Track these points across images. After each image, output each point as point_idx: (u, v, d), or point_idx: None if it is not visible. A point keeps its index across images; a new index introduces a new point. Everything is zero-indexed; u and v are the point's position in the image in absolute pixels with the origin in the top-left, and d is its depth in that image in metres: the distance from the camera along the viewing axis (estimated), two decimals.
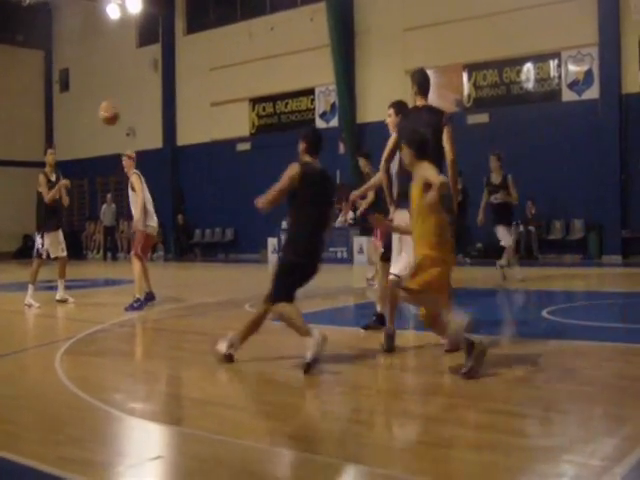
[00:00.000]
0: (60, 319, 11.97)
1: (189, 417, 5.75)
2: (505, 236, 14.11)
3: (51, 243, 13.13)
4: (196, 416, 5.71)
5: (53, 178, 13.30)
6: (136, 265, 12.03)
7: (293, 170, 7.16)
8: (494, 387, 6.23)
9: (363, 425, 5.46)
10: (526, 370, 6.75)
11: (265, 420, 5.70)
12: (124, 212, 29.69)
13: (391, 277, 7.61)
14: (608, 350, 7.74)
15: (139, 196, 12.13)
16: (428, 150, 6.80)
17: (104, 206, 29.26)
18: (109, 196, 29.08)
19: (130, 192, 12.37)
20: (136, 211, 12.10)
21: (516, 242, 20.82)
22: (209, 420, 5.48)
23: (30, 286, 12.75)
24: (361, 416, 5.72)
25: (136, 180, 12.30)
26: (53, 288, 13.54)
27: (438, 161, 7.18)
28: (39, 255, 13.04)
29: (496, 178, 14.24)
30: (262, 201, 7.13)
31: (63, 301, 13.07)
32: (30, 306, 12.52)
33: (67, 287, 13.27)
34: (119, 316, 11.15)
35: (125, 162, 12.55)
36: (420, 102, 8.06)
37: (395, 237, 7.83)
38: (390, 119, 8.56)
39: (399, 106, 8.68)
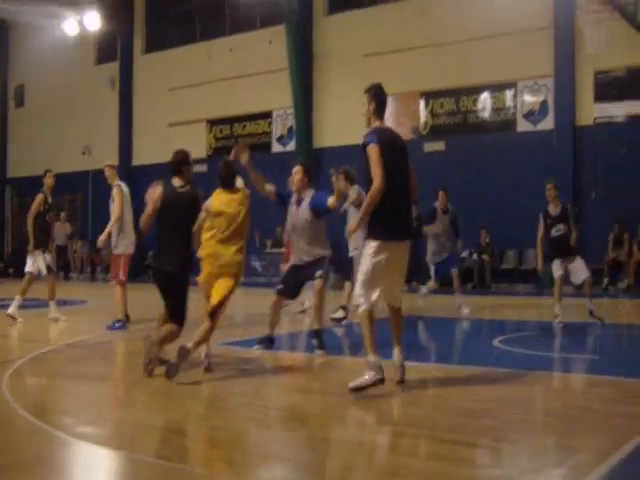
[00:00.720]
0: (10, 339, 11.76)
1: (138, 442, 5.65)
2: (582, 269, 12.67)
3: (43, 261, 13.07)
4: (145, 441, 5.64)
5: (50, 200, 13.22)
6: (119, 290, 12.01)
7: None
8: (443, 416, 6.25)
9: (311, 452, 5.44)
10: (476, 399, 6.78)
11: (212, 446, 5.64)
12: (78, 231, 29.51)
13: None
14: (558, 380, 7.81)
15: (115, 211, 11.91)
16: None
17: (57, 224, 28.92)
18: (63, 215, 28.80)
19: (111, 205, 12.18)
20: (112, 228, 11.93)
21: (468, 270, 21.04)
22: (158, 445, 5.42)
23: (18, 298, 12.79)
24: (310, 444, 5.67)
25: (117, 192, 12.06)
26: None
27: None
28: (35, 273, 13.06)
29: (554, 209, 12.98)
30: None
31: (55, 320, 13.03)
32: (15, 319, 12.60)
33: (20, 306, 13.08)
34: (71, 337, 11.04)
35: (107, 172, 12.40)
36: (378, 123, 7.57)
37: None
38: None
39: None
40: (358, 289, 7.16)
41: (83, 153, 29.24)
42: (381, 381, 6.84)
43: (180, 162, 8.69)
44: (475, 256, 21.06)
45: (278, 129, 26.24)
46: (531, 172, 20.69)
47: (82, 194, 30.10)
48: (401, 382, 7.11)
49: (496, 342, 10.12)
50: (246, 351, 9.57)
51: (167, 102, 28.32)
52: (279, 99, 25.42)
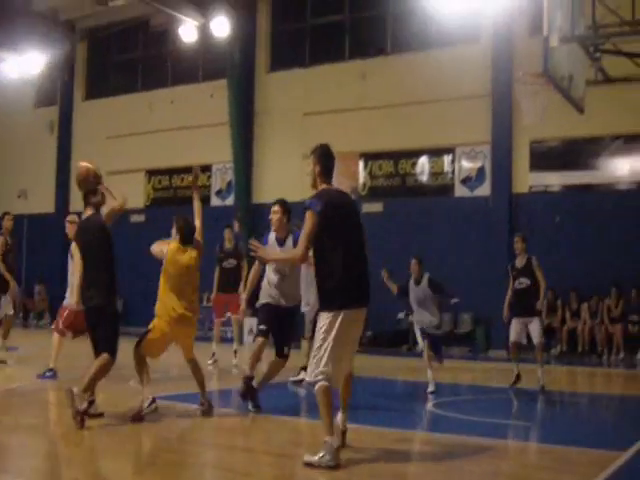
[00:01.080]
0: None
1: None
2: (536, 332, 12.89)
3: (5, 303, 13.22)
4: None
5: (9, 242, 13.35)
6: (56, 339, 11.99)
7: None
8: None
9: None
10: (406, 463, 6.81)
11: None
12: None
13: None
14: (489, 445, 7.85)
15: (77, 268, 11.71)
16: None
17: None
18: None
19: (69, 260, 12.02)
20: (73, 284, 11.58)
21: (403, 332, 21.13)
22: None
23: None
24: None
25: (75, 248, 11.90)
26: None
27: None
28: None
29: (520, 262, 13.28)
30: None
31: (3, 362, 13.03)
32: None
33: None
34: (3, 384, 10.87)
35: (68, 228, 12.41)
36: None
37: None
38: None
39: None
40: (313, 366, 6.80)
41: (19, 197, 28.83)
42: (335, 467, 6.49)
43: (86, 193, 8.69)
44: (410, 318, 21.13)
45: (217, 183, 26.24)
46: (468, 237, 21.02)
47: (16, 239, 29.52)
48: (342, 447, 7.03)
49: (430, 406, 10.17)
50: (181, 405, 9.49)
51: (106, 150, 28.04)
52: (219, 153, 25.43)
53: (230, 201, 25.74)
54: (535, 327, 12.92)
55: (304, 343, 12.37)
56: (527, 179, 21.02)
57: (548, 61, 10.96)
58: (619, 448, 7.53)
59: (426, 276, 12.27)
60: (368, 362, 15.22)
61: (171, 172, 27.18)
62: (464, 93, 21.48)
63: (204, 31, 23.96)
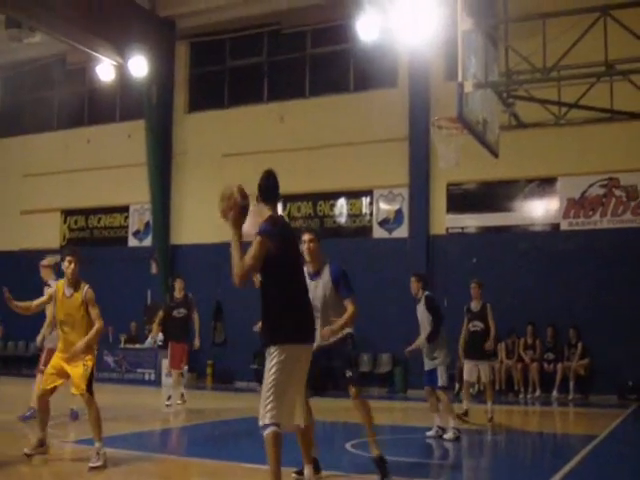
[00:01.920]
0: None
1: None
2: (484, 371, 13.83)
3: None
4: None
5: None
6: (39, 379, 11.65)
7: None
8: None
9: None
10: None
11: None
12: None
13: None
14: None
15: (49, 310, 11.55)
16: None
17: None
18: None
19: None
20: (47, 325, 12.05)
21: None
22: None
23: None
24: None
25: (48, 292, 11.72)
26: None
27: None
28: None
29: (476, 305, 14.05)
30: None
31: None
32: None
33: None
34: None
35: (42, 272, 12.32)
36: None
37: None
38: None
39: None
40: (262, 408, 6.46)
41: None
42: None
43: None
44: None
45: (135, 224, 25.99)
46: (386, 278, 21.17)
47: None
48: None
49: (348, 446, 10.15)
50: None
51: (22, 188, 27.66)
52: (137, 193, 25.24)
53: (148, 242, 25.53)
54: (484, 368, 13.88)
55: None
56: (444, 221, 21.36)
57: (463, 106, 11.15)
58: None
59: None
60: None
61: (87, 212, 26.84)
62: (382, 136, 21.78)
63: (122, 71, 23.81)
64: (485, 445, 12.21)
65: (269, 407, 6.41)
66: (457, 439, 11.46)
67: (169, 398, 15.39)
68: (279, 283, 6.76)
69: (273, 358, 6.50)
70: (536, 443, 12.74)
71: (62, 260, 8.97)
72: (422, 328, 12.30)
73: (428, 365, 12.15)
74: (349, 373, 8.29)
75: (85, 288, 8.89)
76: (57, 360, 8.81)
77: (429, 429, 12.15)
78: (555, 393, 19.37)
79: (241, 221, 6.87)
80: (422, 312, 12.33)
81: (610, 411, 16.70)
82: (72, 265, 8.85)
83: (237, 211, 6.71)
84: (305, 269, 8.00)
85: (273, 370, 6.46)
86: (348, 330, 8.52)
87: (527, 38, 12.48)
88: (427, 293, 12.51)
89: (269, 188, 7.29)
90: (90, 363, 8.67)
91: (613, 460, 10.14)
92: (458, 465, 9.97)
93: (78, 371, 8.58)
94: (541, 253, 20.23)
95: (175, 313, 15.83)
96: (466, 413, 13.75)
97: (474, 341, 13.85)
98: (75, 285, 8.89)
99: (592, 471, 9.17)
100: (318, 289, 8.39)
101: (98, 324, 8.88)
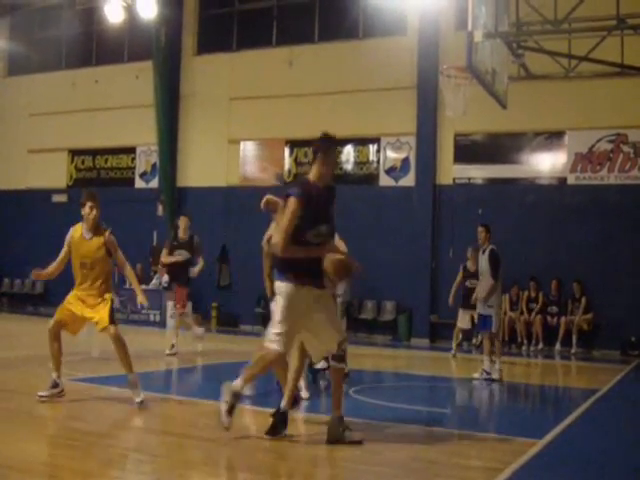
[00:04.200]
0: None
1: None
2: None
3: None
4: None
5: None
6: None
7: None
8: (294, 464, 6.37)
9: None
10: (327, 449, 6.92)
11: None
12: None
13: None
14: (409, 432, 8.01)
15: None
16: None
17: None
18: None
19: None
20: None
21: None
22: None
23: None
24: None
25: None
26: None
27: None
28: None
29: (472, 266, 15.59)
30: None
31: None
32: None
33: None
34: None
35: None
36: None
37: None
38: None
39: None
40: None
41: None
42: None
43: None
44: None
45: (142, 165, 26.00)
46: (392, 226, 21.24)
47: None
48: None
49: (351, 392, 10.28)
50: (100, 388, 9.46)
51: (29, 128, 27.62)
52: (143, 135, 25.23)
53: (154, 184, 25.57)
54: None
55: None
56: (451, 171, 21.34)
57: (472, 56, 11.13)
58: (536, 436, 7.75)
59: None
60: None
61: (94, 153, 26.84)
62: (390, 84, 21.68)
63: (130, 11, 23.63)
64: (486, 395, 12.35)
65: None
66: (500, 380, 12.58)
67: (172, 347, 14.64)
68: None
69: None
70: (537, 395, 12.89)
71: (82, 205, 8.95)
72: (482, 276, 12.99)
73: (484, 310, 12.83)
74: None
75: (107, 234, 8.90)
76: (75, 300, 8.76)
77: (432, 377, 12.37)
78: (558, 346, 19.46)
79: None
80: (485, 262, 12.90)
81: (612, 366, 16.80)
82: (94, 212, 8.87)
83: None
84: None
85: None
86: None
87: None
88: (492, 246, 13.05)
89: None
90: (109, 297, 8.73)
91: (613, 414, 10.26)
92: (458, 414, 10.10)
93: (100, 308, 8.63)
94: (547, 207, 20.22)
95: (175, 254, 14.85)
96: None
97: (470, 294, 14.44)
98: (95, 230, 8.91)
99: (592, 424, 9.29)
100: None
101: (128, 266, 9.12)
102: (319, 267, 7.15)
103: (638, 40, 12.50)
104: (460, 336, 17.08)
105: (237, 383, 7.13)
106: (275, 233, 7.17)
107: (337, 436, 7.08)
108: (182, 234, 15.04)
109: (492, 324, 12.73)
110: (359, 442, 7.10)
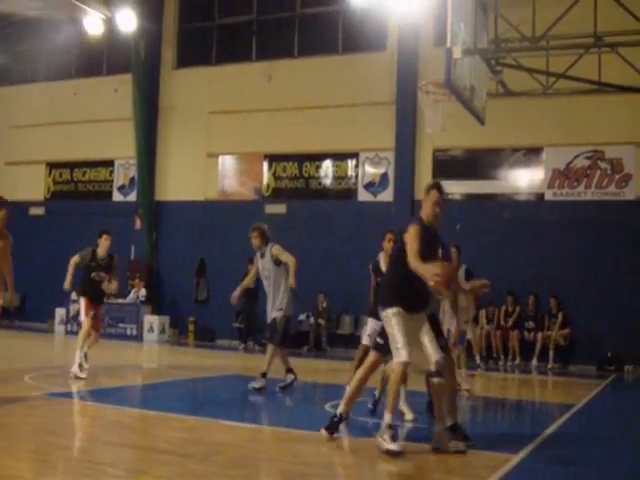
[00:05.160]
0: None
1: None
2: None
3: None
4: None
5: None
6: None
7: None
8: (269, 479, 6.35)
9: None
10: (302, 462, 6.90)
11: None
12: None
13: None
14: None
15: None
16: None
17: None
18: None
19: None
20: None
21: (304, 333, 21.31)
22: None
23: None
24: None
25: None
26: None
27: None
28: None
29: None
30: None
31: None
32: None
33: None
34: None
35: None
36: None
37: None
38: None
39: None
40: None
41: None
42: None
43: None
44: (312, 319, 21.32)
45: (120, 178, 25.91)
46: (370, 241, 21.14)
47: None
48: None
49: (328, 406, 10.25)
50: (76, 402, 9.40)
51: (7, 140, 27.46)
52: (122, 148, 25.17)
53: (132, 197, 25.49)
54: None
55: (271, 348, 12.21)
56: None
57: (451, 72, 11.18)
58: (512, 451, 7.75)
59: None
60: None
61: (72, 165, 26.74)
62: (370, 99, 21.76)
63: (110, 24, 23.62)
64: (463, 410, 12.34)
65: None
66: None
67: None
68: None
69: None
70: (513, 410, 12.89)
71: None
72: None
73: (451, 325, 12.96)
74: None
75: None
76: None
77: (412, 392, 12.34)
78: (535, 361, 19.54)
79: None
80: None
81: (589, 381, 16.85)
82: None
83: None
84: None
85: None
86: None
87: (517, 6, 12.50)
88: (465, 266, 13.10)
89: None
90: None
91: (589, 429, 10.29)
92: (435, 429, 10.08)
93: None
94: (525, 222, 20.34)
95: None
96: None
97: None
98: None
99: (568, 439, 9.30)
100: None
101: None
102: (422, 293, 7.81)
103: (615, 58, 12.58)
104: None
105: (386, 417, 7.52)
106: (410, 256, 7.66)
107: (442, 446, 7.65)
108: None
109: (463, 338, 13.24)
110: (463, 452, 7.59)
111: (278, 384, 12.08)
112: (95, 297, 13.25)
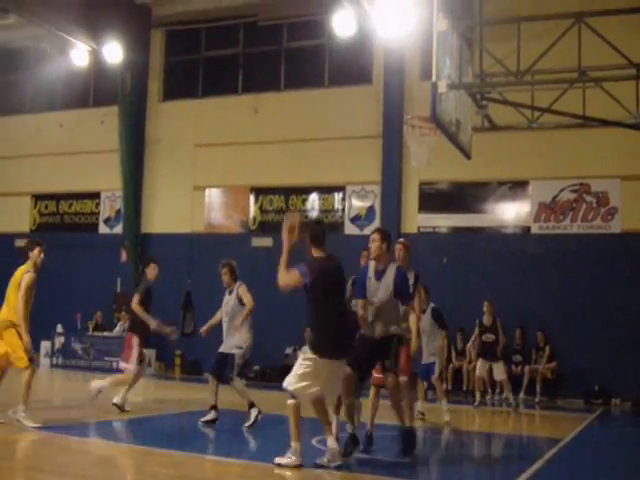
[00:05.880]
0: None
1: None
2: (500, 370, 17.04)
3: None
4: None
5: None
6: None
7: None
8: None
9: None
10: None
11: None
12: None
13: None
14: None
15: None
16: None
17: None
18: None
19: None
20: None
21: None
22: None
23: None
24: None
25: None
26: None
27: None
28: None
29: (487, 320, 17.19)
30: None
31: None
32: None
33: None
34: None
35: None
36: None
37: None
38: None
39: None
40: None
41: None
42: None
43: None
44: (298, 353, 21.18)
45: (106, 211, 25.84)
46: (356, 274, 21.08)
47: None
48: None
49: (315, 441, 10.14)
50: (61, 437, 9.30)
51: None
52: (108, 180, 25.11)
53: (118, 229, 25.39)
54: (500, 366, 17.38)
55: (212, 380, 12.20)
56: (416, 220, 21.43)
57: (436, 106, 11.20)
58: None
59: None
60: (255, 397, 15.10)
61: (58, 197, 26.65)
62: (356, 132, 21.82)
63: (96, 56, 23.62)
64: (449, 444, 12.29)
65: None
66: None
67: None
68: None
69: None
70: (501, 444, 12.84)
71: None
72: (423, 332, 13.46)
73: (429, 359, 14.08)
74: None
75: None
76: None
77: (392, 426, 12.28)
78: (522, 395, 19.46)
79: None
80: (427, 320, 13.95)
81: (576, 415, 16.85)
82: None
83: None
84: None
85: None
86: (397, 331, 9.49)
87: (502, 41, 12.54)
88: (433, 305, 14.26)
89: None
90: None
91: (576, 463, 10.24)
92: (422, 464, 10.00)
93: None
94: (511, 256, 20.36)
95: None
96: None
97: (488, 347, 17.29)
98: None
99: (556, 473, 9.26)
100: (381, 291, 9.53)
101: None
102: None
103: (599, 92, 12.65)
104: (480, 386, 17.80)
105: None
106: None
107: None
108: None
109: (435, 371, 14.03)
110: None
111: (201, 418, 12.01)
112: (147, 335, 13.44)
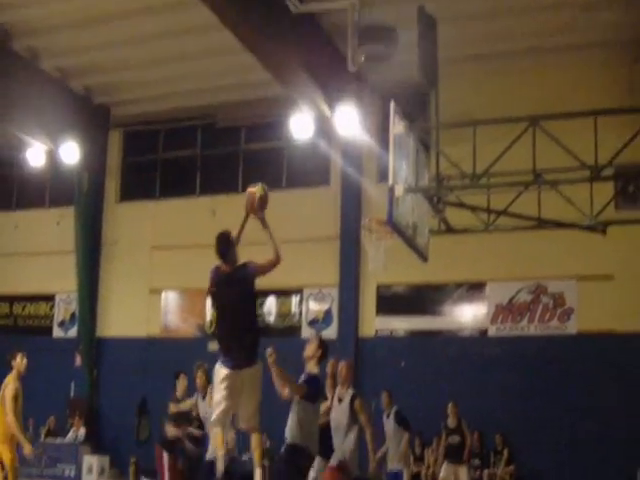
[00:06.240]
0: None
1: None
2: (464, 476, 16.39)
3: None
4: None
5: None
6: None
7: None
8: None
9: None
10: None
11: None
12: None
13: None
14: None
15: None
16: None
17: None
18: None
19: None
20: None
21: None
22: None
23: None
24: None
25: None
26: None
27: None
28: None
29: (452, 422, 16.56)
30: None
31: None
32: None
33: None
34: None
35: None
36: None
37: None
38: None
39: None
40: None
41: None
42: None
43: None
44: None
45: (60, 313, 25.35)
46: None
47: None
48: None
49: None
50: None
51: None
52: (63, 282, 24.73)
53: (73, 333, 24.89)
54: (464, 470, 16.75)
55: None
56: (373, 323, 21.29)
57: (393, 210, 11.20)
58: None
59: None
60: None
61: (11, 299, 26.17)
62: (314, 234, 21.78)
63: (53, 156, 23.43)
64: None
65: None
66: None
67: None
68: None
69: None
70: None
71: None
72: (388, 437, 14.11)
73: (395, 467, 14.35)
74: None
75: None
76: None
77: None
78: None
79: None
80: (390, 424, 14.26)
81: None
82: None
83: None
84: None
85: None
86: None
87: (457, 143, 12.63)
88: (396, 408, 14.48)
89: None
90: None
91: None
92: None
93: None
94: (469, 358, 20.20)
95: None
96: None
97: (453, 450, 16.60)
98: None
99: None
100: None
101: None
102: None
103: (554, 194, 12.73)
104: None
105: None
106: None
107: None
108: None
109: (403, 478, 14.38)
110: None
111: None
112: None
